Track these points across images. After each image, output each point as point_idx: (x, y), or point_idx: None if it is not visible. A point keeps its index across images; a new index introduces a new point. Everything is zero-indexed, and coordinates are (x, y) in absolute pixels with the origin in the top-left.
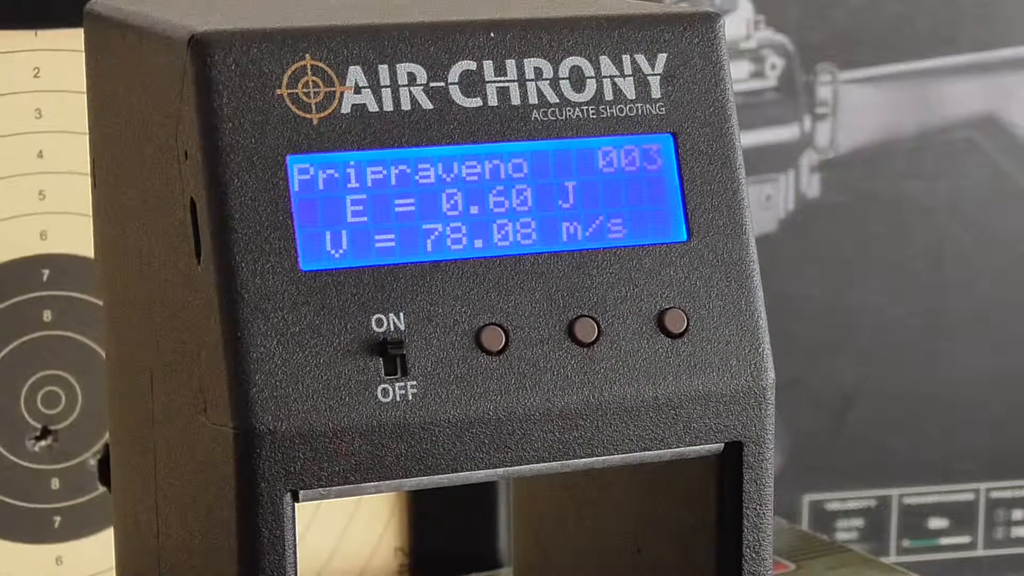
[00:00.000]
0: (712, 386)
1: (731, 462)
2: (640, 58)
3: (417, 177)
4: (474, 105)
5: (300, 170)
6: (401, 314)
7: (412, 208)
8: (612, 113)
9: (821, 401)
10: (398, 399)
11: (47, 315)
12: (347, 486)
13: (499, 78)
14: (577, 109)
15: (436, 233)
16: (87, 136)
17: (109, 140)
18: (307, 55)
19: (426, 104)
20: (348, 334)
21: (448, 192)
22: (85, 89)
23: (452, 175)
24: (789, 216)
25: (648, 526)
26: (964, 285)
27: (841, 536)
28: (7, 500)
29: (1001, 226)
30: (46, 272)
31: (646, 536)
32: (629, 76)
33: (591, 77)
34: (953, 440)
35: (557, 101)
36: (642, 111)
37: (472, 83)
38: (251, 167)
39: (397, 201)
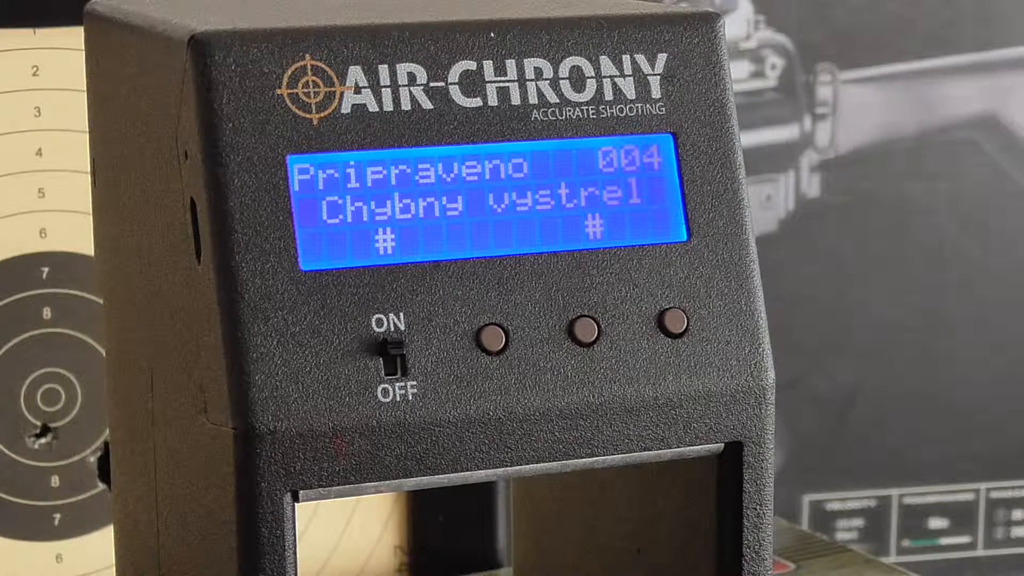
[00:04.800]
0: (712, 386)
1: (731, 462)
2: (640, 58)
3: (417, 177)
4: (474, 105)
5: (300, 170)
6: (401, 314)
7: (412, 208)
8: (612, 113)
9: (821, 401)
10: (398, 399)
11: (47, 312)
12: (347, 486)
13: (499, 78)
14: (577, 109)
15: (436, 233)
16: (86, 134)
17: (109, 139)
18: (307, 55)
19: (426, 104)
20: (348, 334)
21: (448, 192)
22: (84, 88)
23: (452, 175)
24: (789, 216)
25: (648, 526)
26: (964, 285)
27: (841, 536)
28: (7, 497)
29: (1001, 226)
30: (45, 270)
31: (646, 536)
32: (629, 76)
33: (591, 77)
34: (953, 440)
35: (557, 101)
36: (642, 111)
37: (472, 83)
38: (251, 167)
39: (397, 201)
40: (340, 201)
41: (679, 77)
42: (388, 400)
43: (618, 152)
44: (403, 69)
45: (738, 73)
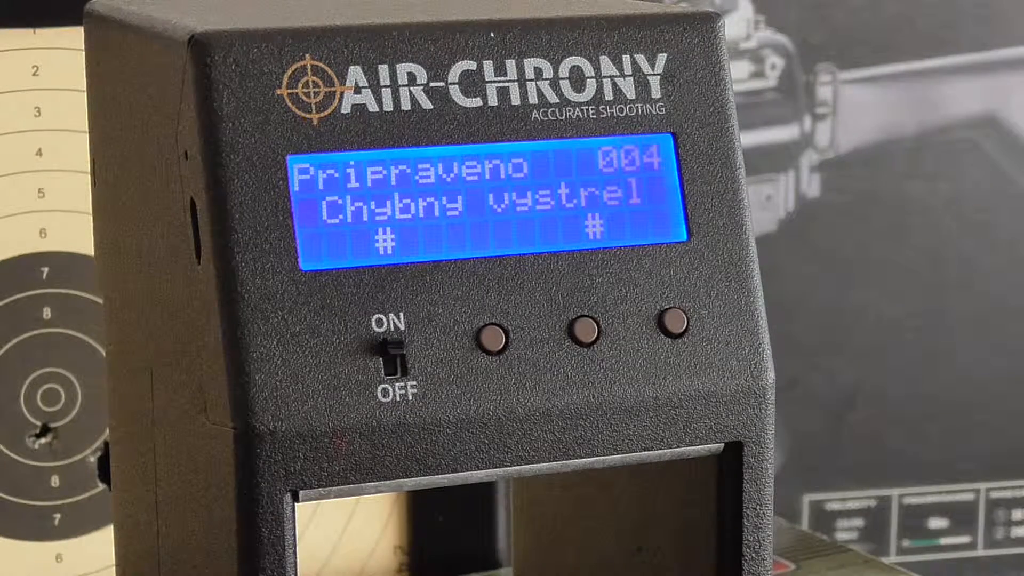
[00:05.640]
0: (712, 386)
1: (731, 462)
2: (640, 58)
3: (417, 177)
4: (474, 105)
5: (300, 170)
6: (401, 314)
7: (412, 208)
8: (612, 113)
9: (821, 401)
10: (398, 399)
11: (47, 312)
12: (347, 486)
13: (499, 78)
14: (577, 109)
15: (436, 233)
16: (86, 134)
17: (109, 139)
18: (307, 55)
19: (426, 104)
20: (348, 334)
21: (448, 192)
22: (84, 88)
23: (452, 175)
24: (789, 216)
25: (648, 526)
26: (964, 285)
27: (841, 536)
28: (7, 498)
29: (1001, 226)
30: (45, 270)
31: (646, 536)
32: (629, 76)
33: (591, 77)
34: (953, 440)
35: (557, 101)
36: (642, 111)
37: (472, 83)
38: (251, 167)
39: (397, 201)
40: (340, 201)
41: (679, 77)
42: (388, 400)
43: (618, 152)
44: (403, 69)
45: (738, 73)
